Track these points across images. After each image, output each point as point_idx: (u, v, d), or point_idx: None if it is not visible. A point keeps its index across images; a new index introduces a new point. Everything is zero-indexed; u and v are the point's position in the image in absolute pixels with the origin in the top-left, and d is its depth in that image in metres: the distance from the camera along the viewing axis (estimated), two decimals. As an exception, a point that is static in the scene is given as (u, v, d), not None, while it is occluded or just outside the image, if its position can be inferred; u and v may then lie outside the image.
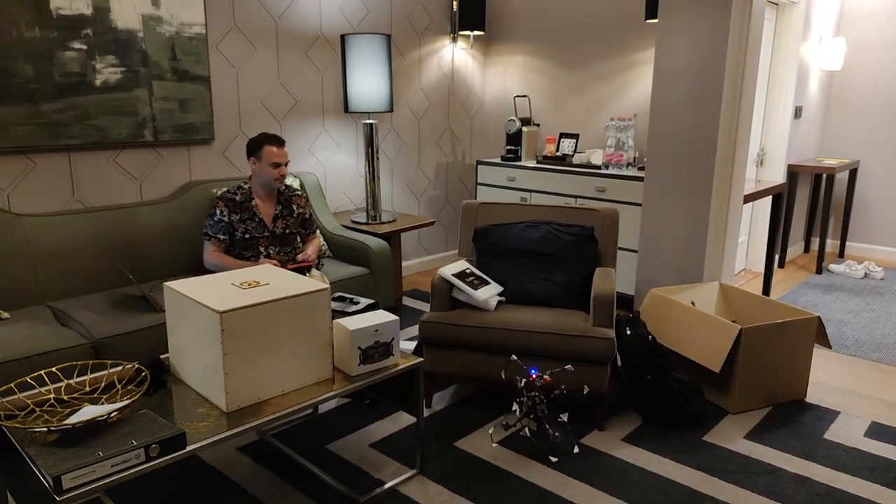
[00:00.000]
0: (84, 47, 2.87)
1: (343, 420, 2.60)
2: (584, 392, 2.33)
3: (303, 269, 2.84)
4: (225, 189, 2.90)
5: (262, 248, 2.89)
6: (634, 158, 3.87)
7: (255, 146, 2.83)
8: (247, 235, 2.87)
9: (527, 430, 2.19)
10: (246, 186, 2.90)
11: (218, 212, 2.83)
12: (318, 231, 3.14)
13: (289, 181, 3.44)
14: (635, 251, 3.62)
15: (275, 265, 2.69)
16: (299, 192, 3.04)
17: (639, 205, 3.58)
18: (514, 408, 2.20)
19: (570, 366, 2.23)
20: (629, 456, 2.34)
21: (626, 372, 2.65)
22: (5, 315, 2.42)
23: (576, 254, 2.80)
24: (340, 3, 3.86)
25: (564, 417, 2.19)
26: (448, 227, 4.84)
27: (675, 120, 3.17)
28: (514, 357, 2.23)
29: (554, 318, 2.56)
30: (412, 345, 3.02)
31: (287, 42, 3.66)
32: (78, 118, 2.89)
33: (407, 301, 4.01)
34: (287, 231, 2.96)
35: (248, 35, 3.47)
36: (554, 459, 2.04)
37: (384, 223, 3.78)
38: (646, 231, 3.37)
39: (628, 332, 2.61)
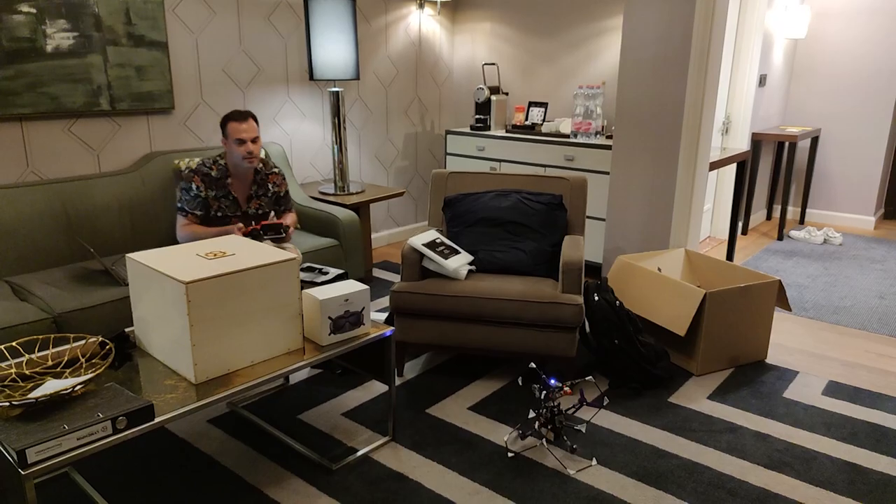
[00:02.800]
0: (33, 11, 2.74)
1: (315, 390, 2.60)
2: (605, 403, 2.34)
3: (277, 228, 2.66)
4: (199, 161, 2.76)
5: (233, 227, 2.79)
6: (603, 127, 3.88)
7: (223, 124, 2.72)
8: (219, 214, 2.78)
9: (544, 440, 2.20)
10: (222, 162, 2.78)
11: (194, 186, 2.71)
12: (293, 209, 3.04)
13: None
14: (603, 219, 3.65)
15: (244, 231, 2.63)
16: (277, 171, 2.92)
17: (607, 173, 3.60)
18: (530, 415, 2.19)
19: (590, 377, 2.25)
20: (597, 418, 2.40)
21: (594, 337, 2.70)
22: (-40, 291, 2.34)
23: (545, 222, 2.81)
24: (303, -34, 3.75)
25: (582, 428, 2.19)
26: (418, 198, 4.81)
27: (643, 88, 3.18)
28: (532, 365, 2.23)
29: (523, 285, 2.58)
30: (383, 315, 3.02)
31: (248, 7, 3.55)
32: (29, 86, 2.77)
33: (377, 272, 3.99)
34: (260, 211, 2.87)
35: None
36: (571, 472, 2.06)
37: (353, 194, 3.74)
38: (614, 199, 3.40)
39: (596, 298, 2.65)
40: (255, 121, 2.72)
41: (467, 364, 2.84)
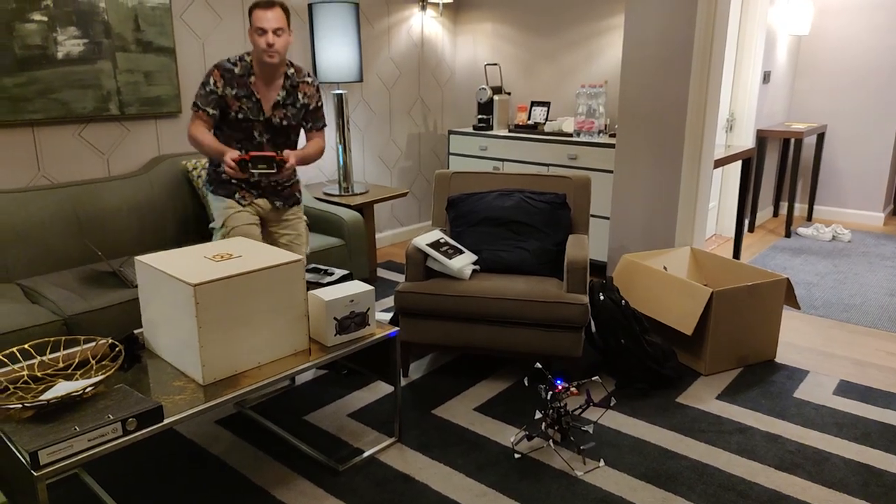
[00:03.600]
0: (44, 18, 2.78)
1: (320, 391, 2.61)
2: (612, 404, 2.34)
3: (269, 161, 2.36)
4: (226, 58, 2.49)
5: (255, 133, 2.53)
6: (606, 125, 3.88)
7: (250, 12, 2.43)
8: (240, 115, 2.48)
9: (551, 441, 2.20)
10: (248, 59, 2.48)
11: (211, 80, 2.43)
12: (322, 132, 2.68)
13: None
14: (607, 218, 3.65)
15: (235, 160, 2.35)
16: (310, 80, 2.59)
17: (611, 172, 3.60)
18: (536, 416, 2.18)
19: (597, 377, 2.25)
20: (604, 419, 2.40)
21: (600, 337, 2.70)
22: (-28, 295, 2.38)
23: (549, 221, 2.82)
24: (308, -30, 3.77)
25: (590, 429, 2.18)
26: (421, 198, 4.83)
27: (646, 86, 3.19)
28: (538, 365, 2.24)
29: (528, 285, 2.59)
30: (388, 316, 3.03)
31: (254, 11, 3.56)
32: (41, 92, 2.81)
33: (381, 272, 4.01)
34: (285, 123, 2.55)
35: (212, 5, 3.38)
36: (579, 473, 2.06)
37: (357, 195, 3.76)
38: (618, 197, 3.40)
39: (602, 297, 2.65)
40: (286, 11, 2.41)
41: (472, 364, 2.85)
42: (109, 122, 3.06)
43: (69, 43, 2.87)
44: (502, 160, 4.13)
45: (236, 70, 2.45)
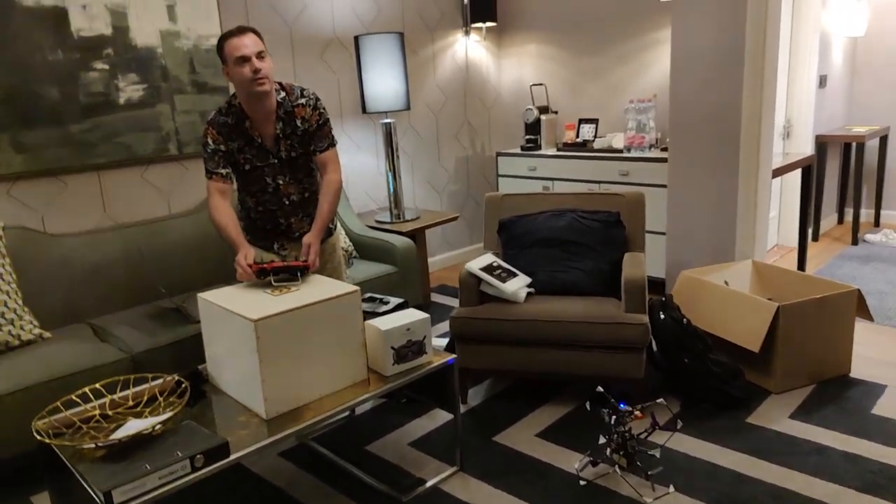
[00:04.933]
0: (106, 67, 2.92)
1: (381, 420, 2.61)
2: (678, 427, 2.26)
3: (292, 272, 2.08)
4: (211, 116, 2.25)
5: (269, 180, 2.30)
6: (657, 139, 3.81)
7: (219, 52, 2.17)
8: (247, 167, 2.27)
9: (617, 467, 2.15)
10: (235, 102, 2.23)
11: (210, 141, 2.21)
12: (335, 152, 2.35)
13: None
14: (664, 234, 3.56)
15: (253, 269, 2.06)
16: (304, 102, 2.27)
17: (664, 186, 3.52)
18: (600, 441, 2.12)
19: (661, 399, 2.19)
20: (671, 442, 2.31)
21: (663, 357, 2.62)
22: (47, 335, 2.48)
23: (603, 240, 2.77)
24: (352, 3, 3.87)
25: (657, 453, 2.10)
26: (471, 221, 4.83)
27: (697, 97, 3.11)
28: (600, 388, 2.19)
29: (585, 306, 2.54)
30: (444, 341, 3.02)
31: (302, 46, 3.67)
32: (105, 137, 2.94)
33: (435, 297, 4.01)
34: (294, 154, 2.29)
35: (263, 42, 3.48)
36: (648, 501, 1.99)
37: (408, 221, 3.79)
38: (673, 212, 3.32)
39: (662, 316, 2.58)
40: (259, 35, 2.16)
41: (531, 389, 2.80)
42: (169, 162, 3.18)
43: (130, 88, 3.01)
44: (552, 179, 4.09)
45: (230, 121, 2.23)
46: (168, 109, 3.13)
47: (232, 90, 2.31)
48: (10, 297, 2.41)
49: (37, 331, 2.45)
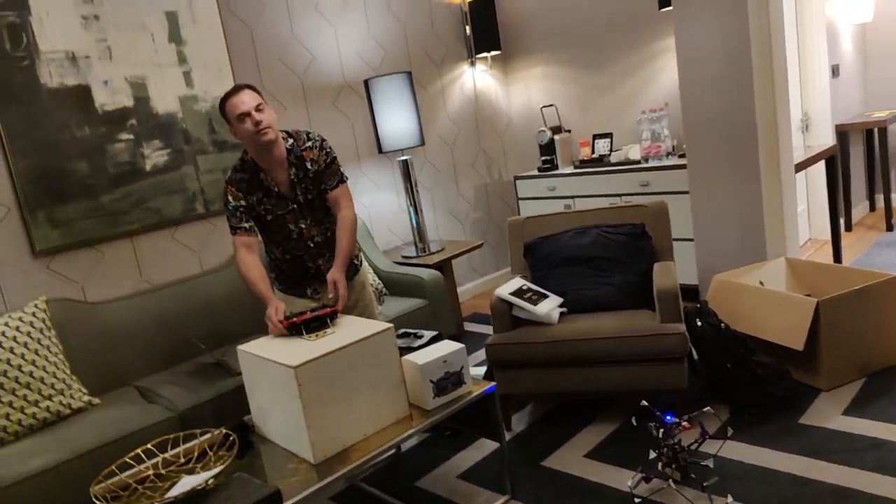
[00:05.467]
0: (131, 137, 3.04)
1: (427, 455, 2.61)
2: (729, 434, 2.22)
3: (322, 321, 2.10)
4: (232, 168, 2.35)
5: (292, 226, 2.36)
6: (673, 147, 3.81)
7: (222, 112, 2.27)
8: (269, 217, 2.34)
9: (671, 481, 2.11)
10: (247, 157, 2.32)
11: (230, 199, 2.29)
12: (346, 185, 2.43)
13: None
14: (691, 240, 3.53)
15: (289, 322, 2.09)
16: (310, 145, 2.35)
17: (686, 193, 3.50)
18: (651, 456, 2.09)
19: (708, 408, 2.16)
20: (723, 450, 2.27)
21: (704, 364, 2.58)
22: (96, 401, 2.55)
23: (630, 253, 2.76)
24: (358, 49, 3.98)
25: (710, 463, 2.05)
26: (496, 247, 4.84)
27: (709, 101, 3.12)
28: (644, 402, 2.17)
29: (620, 321, 2.52)
30: (482, 370, 3.01)
31: (314, 96, 3.78)
32: (135, 204, 3.05)
33: (469, 326, 4.01)
34: (310, 196, 2.36)
35: (277, 96, 3.60)
36: None
37: (433, 253, 3.82)
38: (698, 217, 3.30)
39: (699, 323, 2.55)
40: (254, 90, 2.25)
41: (575, 409, 2.77)
42: (197, 221, 3.27)
43: (155, 155, 3.12)
44: (572, 197, 4.10)
45: (245, 176, 2.30)
46: (192, 170, 3.24)
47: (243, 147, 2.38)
48: (58, 368, 2.49)
49: (86, 398, 2.52)
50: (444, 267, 3.71)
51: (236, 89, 2.24)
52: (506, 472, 2.22)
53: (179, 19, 3.20)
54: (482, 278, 4.75)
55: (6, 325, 2.44)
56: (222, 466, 1.69)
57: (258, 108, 2.21)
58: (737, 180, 3.11)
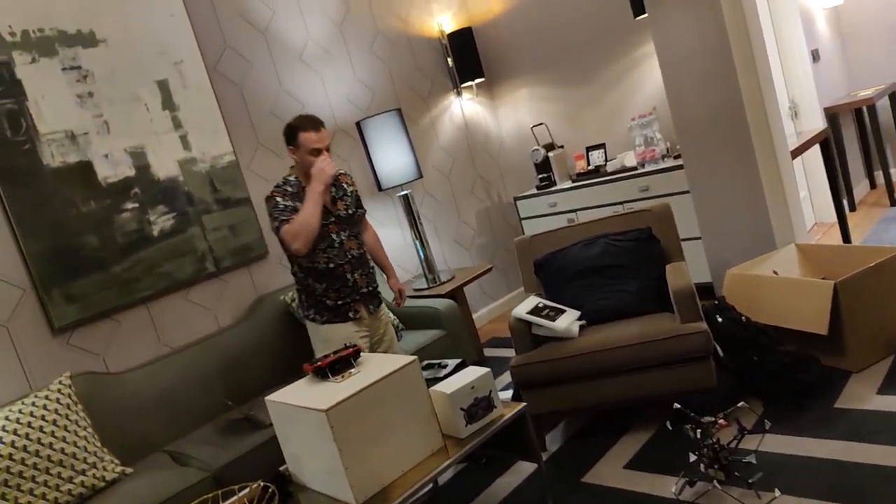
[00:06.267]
0: (136, 205, 3.09)
1: (465, 485, 2.58)
2: (767, 427, 2.22)
3: (346, 361, 2.13)
4: (275, 187, 2.58)
5: (334, 235, 2.57)
6: (667, 149, 3.84)
7: (291, 134, 2.53)
8: None
9: (715, 482, 2.07)
10: (292, 178, 2.58)
11: (279, 199, 2.49)
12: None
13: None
14: (698, 238, 3.54)
15: (315, 367, 2.11)
16: (344, 172, 2.75)
17: (686, 192, 3.52)
18: (691, 459, 2.07)
19: (742, 402, 2.15)
20: (764, 444, 2.24)
21: (730, 360, 2.57)
22: (129, 470, 2.54)
23: (640, 258, 2.77)
24: (346, 93, 4.05)
25: (752, 459, 2.04)
26: (504, 269, 4.85)
27: (696, 100, 3.16)
28: (677, 405, 2.16)
29: (640, 326, 2.52)
30: (508, 393, 3.00)
31: (309, 144, 3.83)
32: (146, 270, 3.07)
33: (489, 351, 4.00)
34: (349, 212, 2.67)
35: (272, 149, 3.66)
36: None
37: (445, 283, 3.83)
38: (702, 215, 3.31)
39: (719, 319, 2.54)
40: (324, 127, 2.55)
41: (607, 421, 2.74)
42: (209, 279, 3.30)
43: (161, 220, 3.16)
44: (574, 211, 4.13)
45: (290, 190, 2.54)
46: (199, 231, 3.27)
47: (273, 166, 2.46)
48: (88, 442, 2.49)
49: (118, 468, 2.51)
50: (456, 295, 3.72)
51: (315, 125, 2.52)
52: (547, 493, 2.20)
53: (171, 86, 3.27)
54: (495, 302, 4.75)
55: (33, 404, 2.45)
56: (265, 520, 1.68)
57: (328, 148, 2.53)
58: (735, 172, 3.14)
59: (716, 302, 2.65)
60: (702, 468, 2.09)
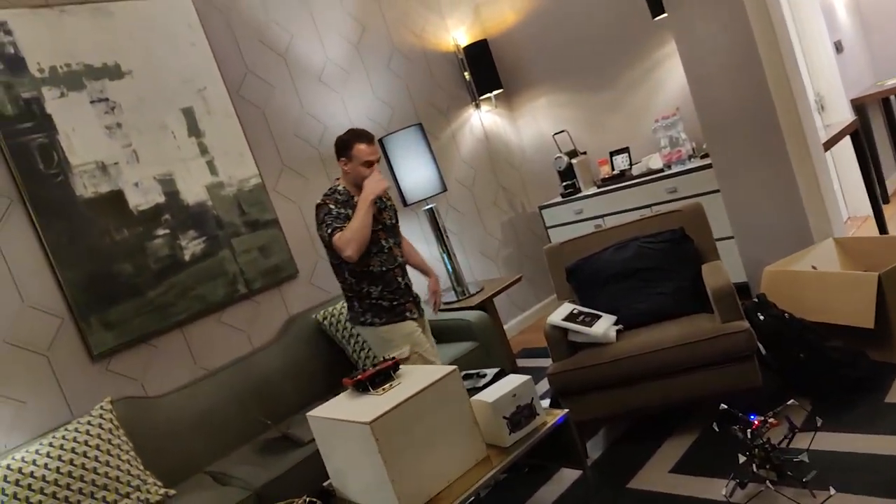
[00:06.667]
0: (167, 231, 3.13)
1: (507, 496, 2.54)
2: (819, 424, 2.15)
3: (386, 374, 2.12)
4: (324, 195, 2.67)
5: (384, 242, 2.69)
6: (693, 149, 3.80)
7: (344, 146, 2.65)
8: None
9: (768, 483, 2.02)
10: (340, 188, 2.68)
11: (332, 207, 2.58)
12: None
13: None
14: (730, 238, 3.48)
15: (355, 380, 2.09)
16: None
17: (716, 192, 3.47)
18: (740, 460, 2.02)
19: (792, 400, 2.10)
20: (816, 442, 2.17)
21: (775, 358, 2.51)
22: (172, 492, 2.55)
23: (675, 259, 2.73)
24: (366, 111, 4.08)
25: (805, 457, 1.99)
26: (533, 279, 4.81)
27: (722, 95, 3.12)
28: (723, 406, 2.11)
29: (679, 328, 2.48)
30: (545, 402, 2.96)
31: (332, 163, 3.84)
32: (180, 294, 3.10)
33: (521, 362, 3.96)
34: (392, 221, 2.80)
35: (297, 170, 3.70)
36: None
37: (474, 294, 3.81)
38: (734, 213, 3.26)
39: (761, 317, 2.49)
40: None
41: (649, 425, 2.69)
42: (241, 301, 3.32)
43: (192, 245, 3.20)
44: (601, 217, 4.09)
45: (342, 198, 2.63)
46: (229, 254, 3.30)
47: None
48: (131, 465, 2.50)
49: (162, 490, 2.52)
50: (486, 306, 3.69)
51: (369, 138, 2.67)
52: (593, 500, 2.15)
53: (196, 114, 3.32)
54: (524, 313, 4.72)
55: (76, 430, 2.47)
56: (314, 536, 1.66)
57: (378, 160, 2.67)
58: (767, 168, 3.09)
59: (755, 300, 2.60)
60: (753, 469, 2.03)
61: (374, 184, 2.57)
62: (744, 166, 3.16)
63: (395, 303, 2.69)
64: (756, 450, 2.01)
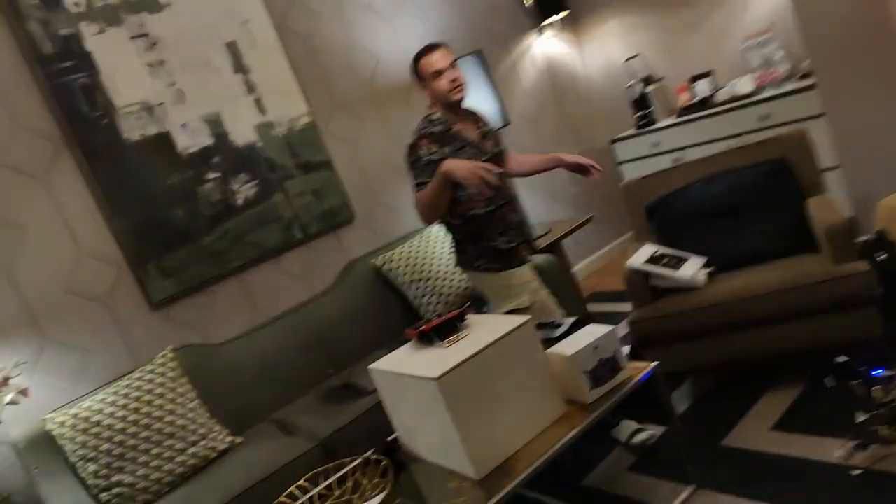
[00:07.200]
0: (218, 174, 2.99)
1: (582, 452, 2.36)
2: None
3: (452, 325, 1.93)
4: (418, 129, 2.29)
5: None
6: (791, 70, 3.37)
7: (415, 70, 2.32)
8: None
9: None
10: (436, 116, 2.29)
11: (424, 151, 2.21)
12: None
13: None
14: (834, 169, 3.09)
15: (419, 331, 1.94)
16: (477, 109, 2.52)
17: (818, 116, 3.07)
18: (859, 419, 1.79)
19: None
20: (947, 400, 1.89)
21: None
22: (239, 440, 2.50)
23: (774, 193, 2.41)
24: (420, 41, 3.69)
25: None
26: (600, 220, 4.51)
27: (831, 5, 2.70)
28: (841, 358, 1.85)
29: (782, 271, 2.19)
30: (624, 351, 2.74)
31: (386, 100, 3.63)
32: (234, 241, 2.99)
33: (592, 307, 3.72)
34: (499, 149, 2.43)
35: (350, 108, 3.48)
36: None
37: (541, 236, 3.58)
38: (842, 141, 2.87)
39: (881, 256, 2.17)
40: (447, 48, 2.30)
41: (741, 379, 2.43)
42: (298, 246, 3.19)
43: (244, 189, 3.06)
44: (682, 149, 3.72)
45: (437, 129, 2.26)
46: (283, 198, 3.16)
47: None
48: (198, 414, 2.46)
49: (229, 438, 2.48)
50: (553, 249, 3.46)
51: (431, 47, 2.29)
52: (685, 458, 1.95)
53: (240, 48, 3.12)
54: (592, 256, 4.46)
55: (140, 379, 2.43)
56: (383, 495, 1.53)
57: (452, 65, 2.27)
58: (883, 89, 2.67)
59: (873, 237, 2.27)
60: (877, 430, 1.77)
61: (473, 172, 2.03)
62: (856, 85, 2.75)
63: (510, 245, 2.36)
64: (882, 409, 1.75)
